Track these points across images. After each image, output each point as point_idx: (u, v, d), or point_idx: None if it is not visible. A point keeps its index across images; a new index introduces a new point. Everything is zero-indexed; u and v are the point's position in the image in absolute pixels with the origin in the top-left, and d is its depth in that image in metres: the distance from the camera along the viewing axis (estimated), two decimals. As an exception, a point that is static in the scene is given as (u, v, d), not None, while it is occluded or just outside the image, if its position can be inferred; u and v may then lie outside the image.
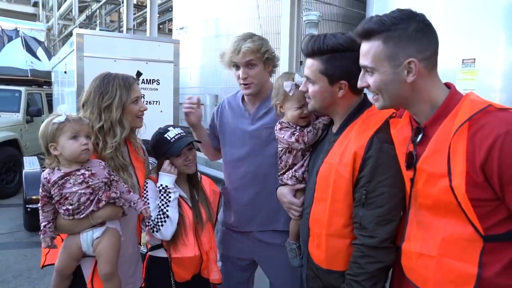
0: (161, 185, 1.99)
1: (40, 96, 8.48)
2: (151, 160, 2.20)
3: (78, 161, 1.67)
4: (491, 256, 1.17)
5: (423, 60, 1.24)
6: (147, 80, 4.90)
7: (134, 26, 12.10)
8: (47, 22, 17.34)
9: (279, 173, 1.86)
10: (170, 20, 14.18)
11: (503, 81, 4.54)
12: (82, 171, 1.65)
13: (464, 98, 1.24)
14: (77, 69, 4.49)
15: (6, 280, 4.02)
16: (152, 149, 2.07)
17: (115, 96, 1.77)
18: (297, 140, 1.72)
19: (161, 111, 5.03)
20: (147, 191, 2.01)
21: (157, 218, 1.96)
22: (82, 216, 1.66)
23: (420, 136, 1.31)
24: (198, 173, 2.19)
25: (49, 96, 8.44)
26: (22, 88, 7.93)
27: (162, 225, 1.95)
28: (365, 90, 1.47)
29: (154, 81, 4.98)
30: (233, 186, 2.24)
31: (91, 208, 1.66)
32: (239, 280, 2.34)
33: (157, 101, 5.02)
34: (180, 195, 2.05)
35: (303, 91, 1.66)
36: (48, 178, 1.64)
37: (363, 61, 1.31)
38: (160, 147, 2.02)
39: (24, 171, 5.38)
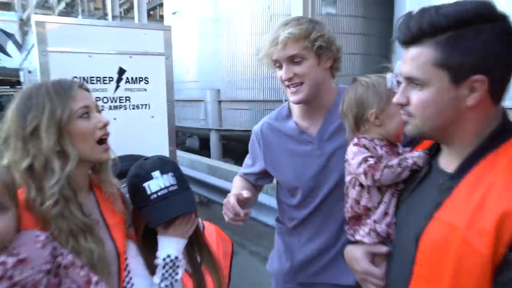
0: (169, 256, 1.46)
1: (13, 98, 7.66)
2: None
3: None
4: None
5: None
6: (132, 79, 4.29)
7: (120, 13, 11.60)
8: (24, 11, 16.58)
9: (347, 220, 1.48)
10: (161, 4, 13.47)
11: None
12: (2, 258, 1.16)
13: None
14: (40, 68, 3.86)
15: None
16: (129, 193, 1.58)
17: (42, 113, 1.29)
18: (365, 172, 1.34)
19: (152, 117, 4.47)
20: (127, 261, 1.49)
21: None
22: None
23: None
24: (199, 220, 1.64)
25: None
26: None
27: None
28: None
29: (142, 80, 4.37)
30: (291, 226, 1.93)
31: None
32: None
33: (146, 105, 4.46)
34: None
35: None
36: None
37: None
38: (136, 199, 1.52)
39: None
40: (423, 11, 1.05)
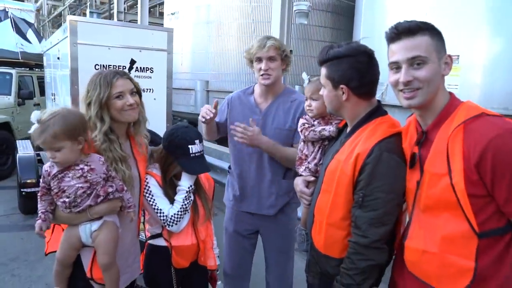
0: (191, 185, 2.02)
1: (31, 78, 8.26)
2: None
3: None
4: (485, 250, 1.27)
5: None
6: (140, 68, 4.77)
7: (124, 9, 11.75)
8: (36, 2, 16.60)
9: (296, 163, 2.00)
10: (161, 3, 13.79)
11: (484, 77, 4.64)
12: (81, 165, 1.68)
13: (462, 105, 1.34)
14: (70, 55, 4.32)
15: (4, 263, 4.01)
16: (169, 146, 2.01)
17: (94, 94, 1.79)
18: (301, 131, 1.93)
19: (155, 99, 4.92)
20: (150, 188, 2.00)
21: (178, 214, 1.97)
22: (79, 210, 1.69)
23: (423, 138, 1.39)
24: None
25: (41, 79, 8.20)
26: (13, 71, 7.71)
27: (179, 220, 1.99)
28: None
29: (148, 69, 4.86)
30: (239, 174, 2.48)
31: (88, 202, 1.69)
32: (246, 246, 2.62)
33: (150, 89, 4.91)
34: None
35: (312, 86, 1.90)
36: (48, 171, 1.69)
37: (412, 53, 1.32)
38: (177, 152, 1.99)
39: (18, 155, 5.29)
40: (325, 48, 1.62)
